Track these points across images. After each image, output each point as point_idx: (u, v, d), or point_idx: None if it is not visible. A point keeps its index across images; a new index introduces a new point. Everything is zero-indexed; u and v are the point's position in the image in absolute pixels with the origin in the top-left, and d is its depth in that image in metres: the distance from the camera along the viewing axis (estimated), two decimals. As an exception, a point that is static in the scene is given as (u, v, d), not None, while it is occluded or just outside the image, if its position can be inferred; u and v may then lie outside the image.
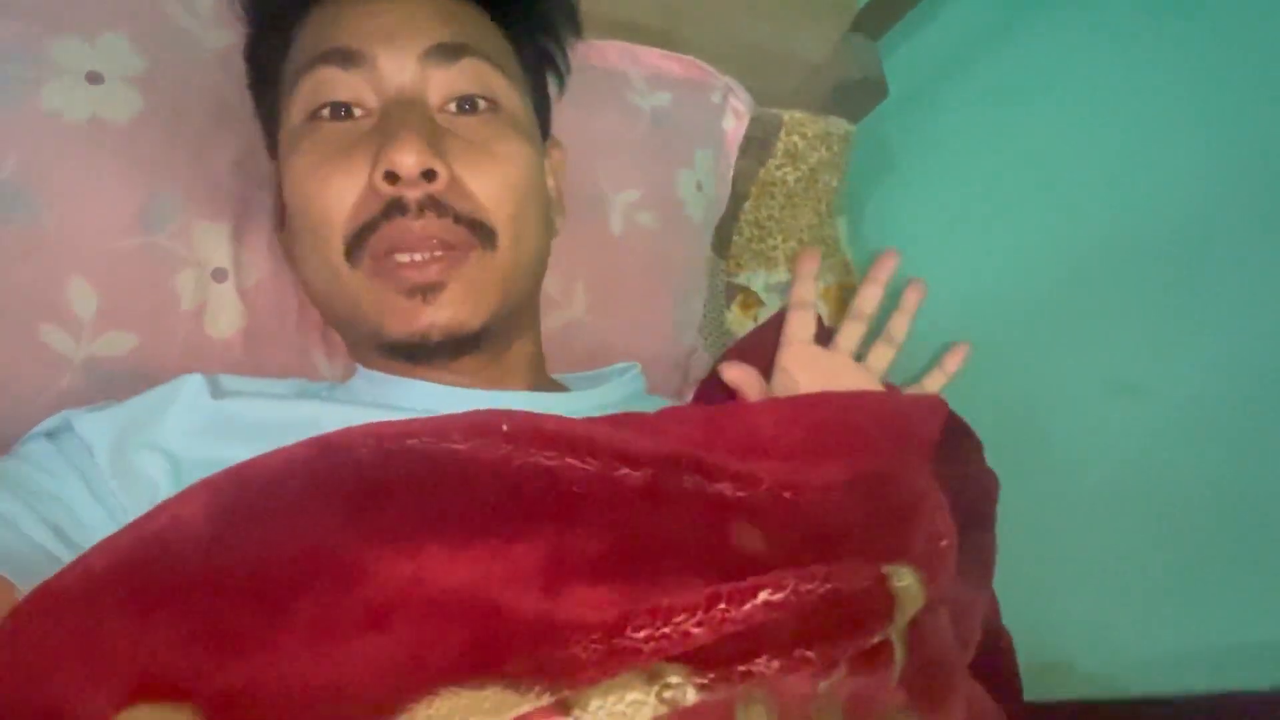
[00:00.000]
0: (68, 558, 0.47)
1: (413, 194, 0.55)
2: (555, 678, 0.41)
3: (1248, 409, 0.94)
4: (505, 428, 0.48)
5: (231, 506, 0.45)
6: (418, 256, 0.55)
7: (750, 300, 1.08)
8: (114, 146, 0.61)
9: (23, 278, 0.58)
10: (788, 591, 0.45)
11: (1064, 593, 1.01)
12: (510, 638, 0.42)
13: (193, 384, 0.58)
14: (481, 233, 0.57)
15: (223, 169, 0.67)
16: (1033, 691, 0.81)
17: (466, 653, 0.42)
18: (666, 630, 0.42)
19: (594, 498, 0.48)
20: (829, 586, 0.46)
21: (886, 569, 0.50)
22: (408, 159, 0.53)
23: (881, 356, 0.78)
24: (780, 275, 1.11)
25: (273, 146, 0.66)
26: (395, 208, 0.55)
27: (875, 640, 0.49)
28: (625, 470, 0.49)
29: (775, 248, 1.11)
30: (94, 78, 0.61)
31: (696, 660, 0.43)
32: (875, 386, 0.75)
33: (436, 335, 0.57)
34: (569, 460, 0.48)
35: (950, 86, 1.26)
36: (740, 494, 0.51)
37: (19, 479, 0.52)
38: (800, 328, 0.74)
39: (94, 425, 0.55)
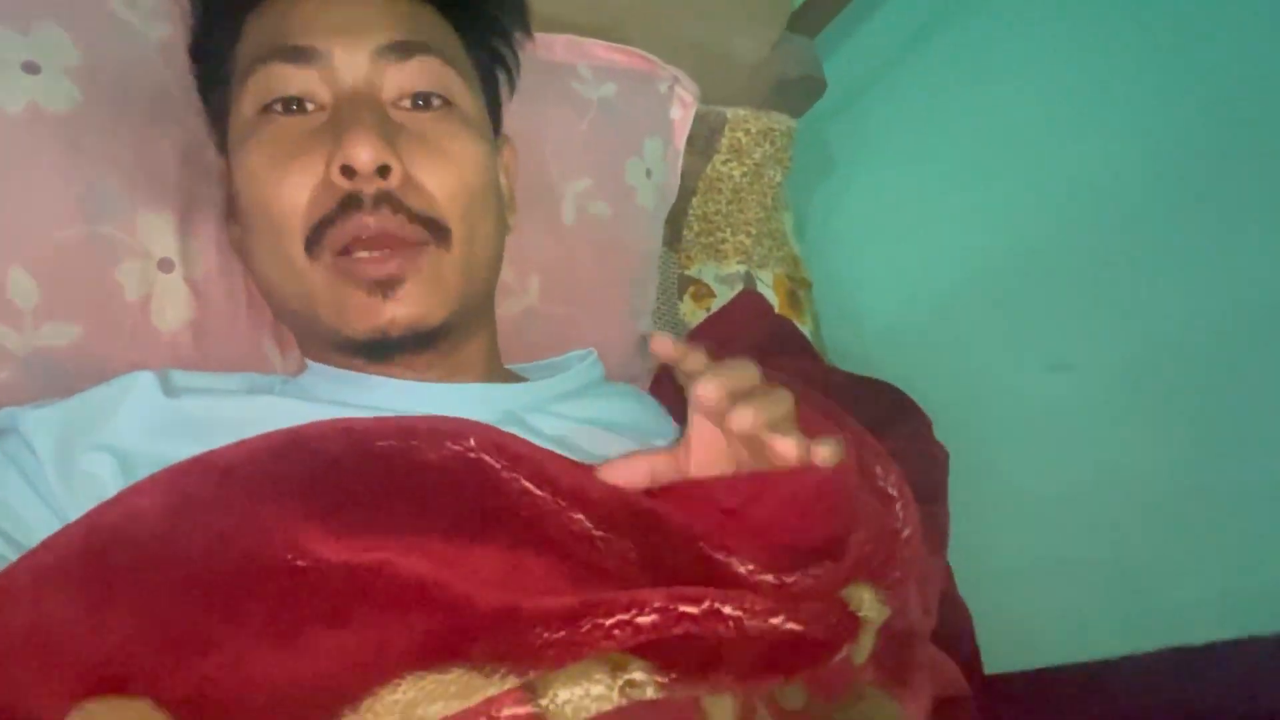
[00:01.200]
0: (12, 557, 0.46)
1: (368, 189, 0.55)
2: (519, 661, 0.41)
3: (1172, 382, 1.01)
4: (472, 442, 0.49)
5: (191, 497, 0.45)
6: (376, 253, 0.56)
7: (702, 292, 1.10)
8: (53, 136, 0.61)
9: (-39, 270, 0.57)
10: (745, 609, 0.45)
11: (1012, 561, 1.04)
12: (473, 625, 0.42)
13: (143, 381, 0.57)
14: (436, 230, 0.58)
15: (167, 160, 0.66)
16: (991, 659, 0.83)
17: (430, 640, 0.42)
18: (626, 618, 0.43)
19: (545, 526, 0.48)
20: (789, 627, 0.47)
21: (844, 594, 0.51)
22: (363, 153, 0.53)
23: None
24: (731, 267, 1.14)
25: (220, 139, 0.66)
26: (351, 203, 0.55)
27: (837, 660, 0.50)
28: (577, 515, 0.49)
29: (724, 241, 1.13)
30: (30, 67, 0.60)
31: (661, 659, 0.43)
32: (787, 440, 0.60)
33: (397, 332, 0.57)
34: (525, 485, 0.49)
35: (887, 82, 1.31)
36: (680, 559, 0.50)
37: None
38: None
39: (38, 425, 0.54)
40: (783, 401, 0.49)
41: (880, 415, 0.81)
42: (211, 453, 0.47)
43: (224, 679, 0.41)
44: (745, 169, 1.12)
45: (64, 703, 0.40)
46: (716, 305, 1.08)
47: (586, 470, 0.51)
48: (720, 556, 0.49)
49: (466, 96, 0.63)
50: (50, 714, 0.40)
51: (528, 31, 0.73)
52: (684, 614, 0.44)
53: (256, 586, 0.43)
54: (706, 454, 0.52)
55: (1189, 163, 1.01)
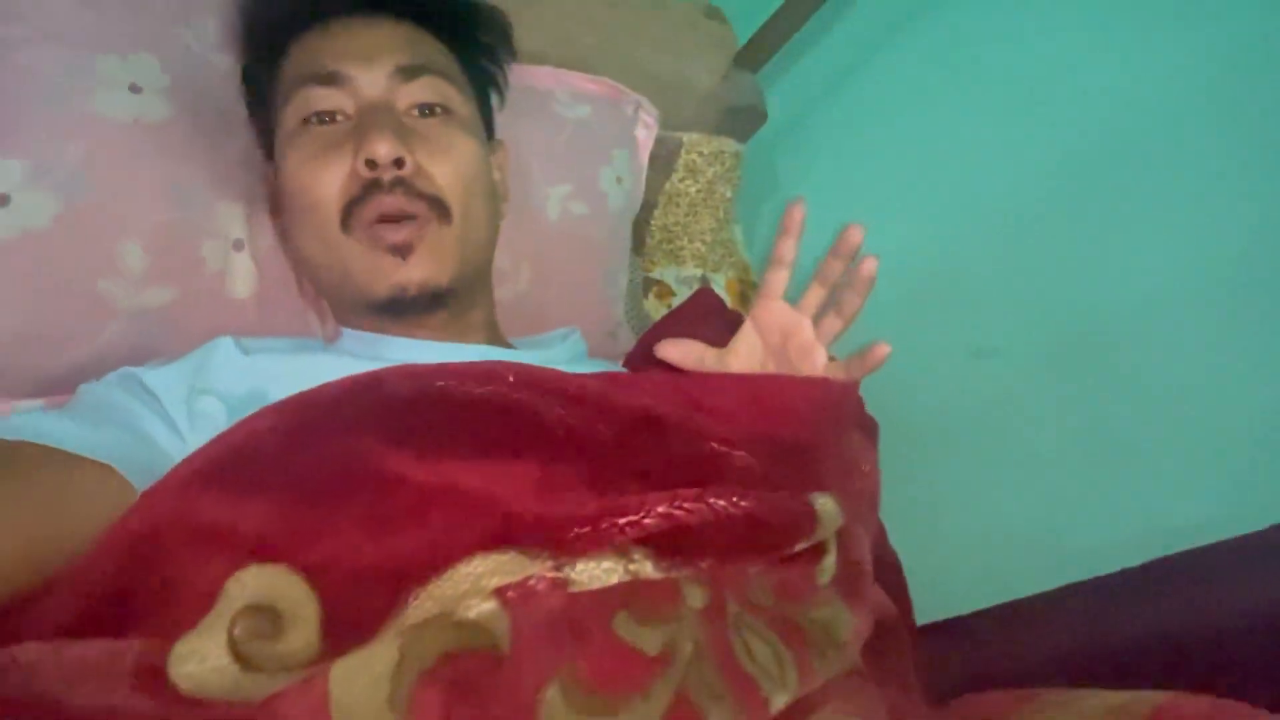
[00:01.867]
0: (155, 470, 0.57)
1: (386, 176, 0.69)
2: (556, 550, 0.53)
3: (1082, 362, 1.10)
4: (511, 378, 0.59)
5: (296, 424, 0.57)
6: (393, 225, 0.70)
7: (664, 290, 1.24)
8: (152, 142, 0.75)
9: (88, 241, 0.71)
10: (731, 501, 0.57)
11: (938, 523, 1.17)
12: (520, 524, 0.54)
13: (225, 344, 0.71)
14: (439, 208, 0.72)
15: (233, 161, 0.80)
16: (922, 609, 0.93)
17: (489, 534, 0.53)
18: (635, 518, 0.54)
19: (573, 441, 0.59)
20: (765, 507, 0.58)
21: (811, 497, 0.63)
22: (381, 148, 0.68)
23: (829, 327, 0.80)
24: (689, 270, 1.27)
25: (267, 149, 0.80)
26: (374, 186, 0.70)
27: (799, 548, 0.62)
28: (601, 426, 0.59)
29: (682, 248, 1.27)
30: (134, 88, 0.75)
31: (658, 549, 0.56)
32: (821, 357, 0.79)
33: (413, 290, 0.71)
34: (556, 409, 0.59)
35: (822, 112, 1.44)
36: (690, 449, 0.61)
37: (115, 413, 0.63)
38: (776, 285, 0.80)
39: (161, 378, 0.67)
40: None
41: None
42: (309, 391, 0.57)
43: (340, 557, 0.51)
44: (700, 186, 1.25)
45: (223, 573, 0.50)
46: (676, 301, 1.22)
47: (611, 380, 0.63)
48: (719, 448, 0.61)
49: (463, 106, 0.78)
50: (212, 584, 0.50)
51: (514, 55, 0.88)
52: (679, 514, 0.55)
53: (354, 493, 0.54)
54: (748, 357, 0.72)
55: (1092, 163, 1.10)
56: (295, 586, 0.50)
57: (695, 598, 0.56)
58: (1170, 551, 0.96)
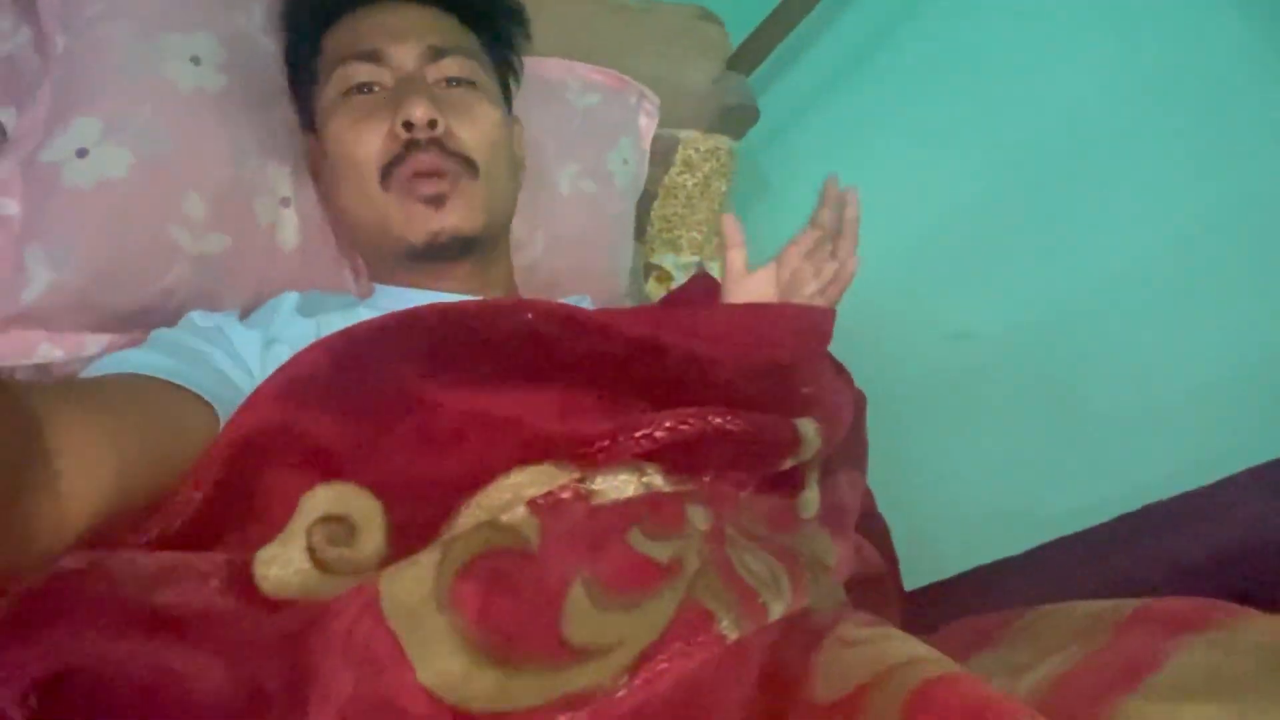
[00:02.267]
0: (231, 399, 0.63)
1: (422, 136, 0.77)
2: (582, 463, 0.60)
3: (1051, 342, 1.17)
4: (530, 316, 0.65)
5: (346, 353, 0.63)
6: (431, 171, 0.78)
7: (663, 275, 1.32)
8: (211, 108, 0.83)
9: (157, 191, 0.79)
10: (726, 419, 0.64)
11: (921, 493, 1.22)
12: (549, 442, 0.60)
13: (291, 299, 0.79)
14: (468, 165, 0.80)
15: (280, 128, 0.89)
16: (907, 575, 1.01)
17: (522, 451, 0.60)
18: (647, 431, 0.61)
19: (587, 367, 0.65)
20: (755, 425, 0.65)
21: (795, 420, 0.69)
22: (418, 111, 0.76)
23: (826, 267, 0.83)
24: (686, 257, 1.35)
25: (306, 120, 0.89)
26: (411, 146, 0.78)
27: (785, 465, 0.69)
28: (610, 352, 0.65)
29: (680, 236, 1.35)
30: (195, 60, 0.83)
31: (666, 465, 0.63)
32: (809, 287, 0.82)
33: (445, 236, 0.79)
34: (573, 340, 0.65)
35: (810, 115, 1.52)
36: (687, 371, 0.67)
37: (201, 356, 0.68)
38: (806, 239, 0.85)
39: (243, 334, 0.73)
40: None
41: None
42: (355, 325, 0.63)
43: (398, 471, 0.57)
44: (696, 180, 1.32)
45: (297, 489, 0.55)
46: (675, 284, 1.30)
47: (618, 312, 0.70)
48: (714, 373, 0.67)
49: (485, 80, 0.86)
50: (288, 499, 0.55)
51: (529, 37, 0.97)
52: (684, 428, 0.61)
53: (402, 417, 0.59)
54: (765, 282, 0.81)
55: (1059, 162, 1.16)
56: (364, 499, 0.56)
57: (699, 519, 0.62)
58: (1131, 509, 1.03)
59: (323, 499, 0.56)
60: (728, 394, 0.67)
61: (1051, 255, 1.18)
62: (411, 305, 0.77)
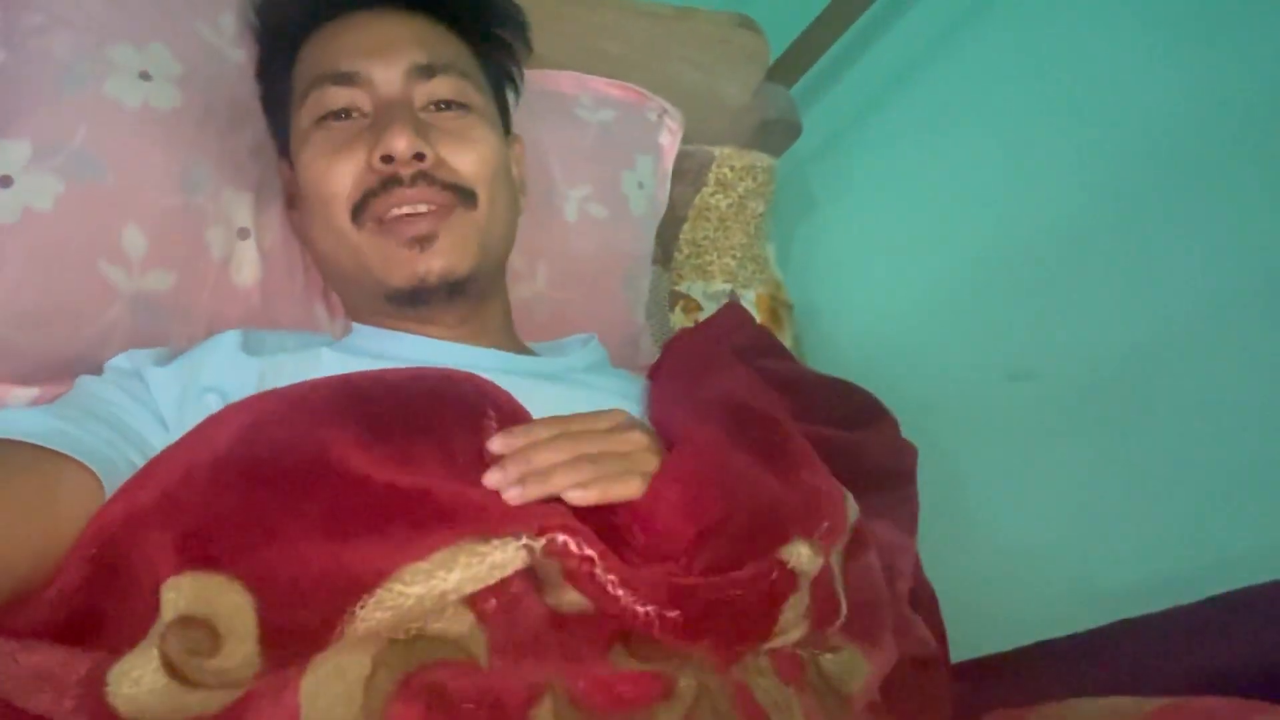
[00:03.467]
0: (139, 462, 0.57)
1: (405, 171, 0.68)
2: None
3: (1122, 385, 1.08)
4: (467, 388, 0.59)
5: (263, 415, 0.55)
6: (415, 208, 0.69)
7: (690, 305, 1.22)
8: (160, 128, 0.75)
9: (89, 223, 0.71)
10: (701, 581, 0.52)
11: (972, 554, 1.11)
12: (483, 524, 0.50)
13: (227, 340, 0.70)
14: (463, 194, 0.71)
15: (243, 152, 0.81)
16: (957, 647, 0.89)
17: (454, 529, 0.50)
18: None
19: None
20: (736, 593, 0.53)
21: (781, 553, 0.55)
22: (399, 143, 0.67)
23: None
24: (716, 285, 1.25)
25: (282, 145, 0.80)
26: (392, 181, 0.69)
27: (786, 606, 0.55)
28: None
29: (711, 263, 1.25)
30: (145, 75, 0.75)
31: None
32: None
33: (433, 279, 0.69)
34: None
35: (859, 129, 1.43)
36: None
37: (105, 410, 0.62)
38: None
39: (158, 378, 0.66)
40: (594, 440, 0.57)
41: (852, 412, 0.92)
42: (282, 388, 0.57)
43: (284, 560, 0.48)
44: (730, 200, 1.23)
45: (163, 572, 0.48)
46: (703, 316, 1.18)
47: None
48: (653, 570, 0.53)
49: (480, 100, 0.77)
50: (155, 593, 0.47)
51: (529, 50, 0.88)
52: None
53: (313, 490, 0.51)
54: None
55: (1130, 184, 1.10)
56: (231, 593, 0.47)
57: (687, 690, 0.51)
58: (1224, 590, 0.90)
59: (180, 595, 0.47)
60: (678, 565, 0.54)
61: (1124, 287, 1.10)
62: (390, 349, 0.71)
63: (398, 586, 0.48)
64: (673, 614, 0.50)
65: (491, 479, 0.53)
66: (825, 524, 0.59)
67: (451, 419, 0.57)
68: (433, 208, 0.69)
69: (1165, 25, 1.08)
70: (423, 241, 0.69)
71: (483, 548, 0.49)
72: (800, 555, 0.56)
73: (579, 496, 0.53)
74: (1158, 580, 0.96)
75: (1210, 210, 1.01)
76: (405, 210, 0.69)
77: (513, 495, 0.52)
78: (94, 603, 0.50)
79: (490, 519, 0.51)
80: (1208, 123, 1.02)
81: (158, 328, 0.74)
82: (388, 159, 0.68)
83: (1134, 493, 1.05)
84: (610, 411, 0.61)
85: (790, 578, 0.55)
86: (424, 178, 0.69)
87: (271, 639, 0.46)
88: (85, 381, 0.66)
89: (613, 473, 0.54)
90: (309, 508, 0.50)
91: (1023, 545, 1.13)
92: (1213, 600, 0.90)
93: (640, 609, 0.50)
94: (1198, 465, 0.99)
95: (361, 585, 0.48)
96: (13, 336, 0.69)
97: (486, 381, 0.61)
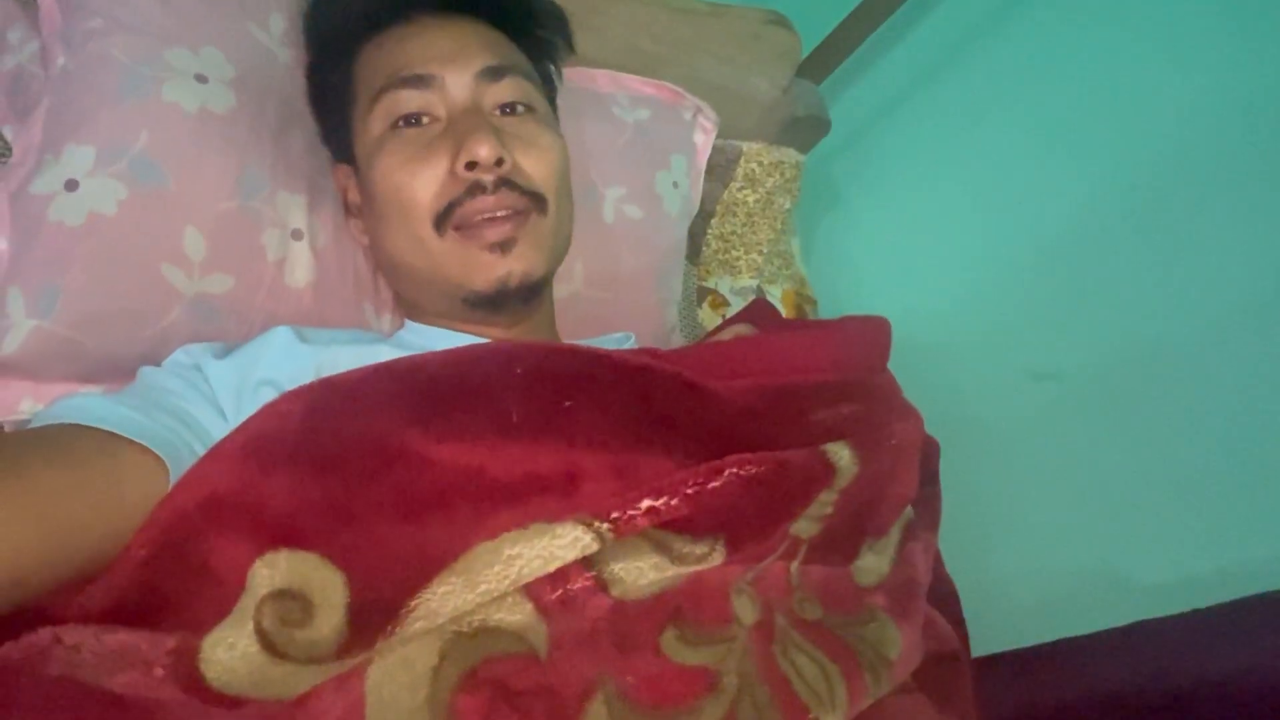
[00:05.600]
0: (200, 451, 0.59)
1: (488, 177, 0.70)
2: (590, 529, 0.53)
3: (1146, 385, 1.08)
4: (519, 370, 0.60)
5: (321, 403, 0.57)
6: (495, 213, 0.70)
7: (718, 301, 1.23)
8: (217, 131, 0.76)
9: (152, 227, 0.72)
10: (744, 468, 0.57)
11: (994, 552, 1.14)
12: (549, 506, 0.54)
13: (282, 333, 0.72)
14: (537, 201, 0.73)
15: (295, 152, 0.82)
16: (978, 643, 0.90)
17: (518, 515, 0.53)
18: (666, 499, 0.54)
19: (595, 426, 0.59)
20: (777, 463, 0.58)
21: (824, 447, 0.62)
22: (483, 150, 0.69)
23: None
24: (744, 281, 1.26)
25: (335, 148, 0.81)
26: (476, 188, 0.70)
27: (824, 497, 0.61)
28: (626, 398, 0.61)
29: (738, 258, 1.26)
30: (201, 78, 0.76)
31: (690, 529, 0.55)
32: None
33: (514, 282, 0.71)
34: (566, 403, 0.59)
35: (886, 126, 1.44)
36: (702, 412, 0.62)
37: (168, 400, 0.64)
38: None
39: (217, 370, 0.68)
40: None
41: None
42: (336, 375, 0.59)
43: (366, 536, 0.52)
44: (758, 196, 1.24)
45: (249, 559, 0.50)
46: (730, 312, 1.21)
47: (638, 353, 0.64)
48: (740, 403, 0.62)
49: (541, 102, 0.79)
50: (240, 570, 0.50)
51: (572, 51, 0.89)
52: (707, 488, 0.55)
53: (380, 477, 0.54)
54: None
55: (1157, 183, 1.10)
56: (323, 570, 0.50)
57: (745, 612, 0.56)
58: (1248, 591, 0.92)
59: (275, 570, 0.50)
60: (737, 431, 0.62)
61: (1149, 286, 1.10)
62: (441, 345, 0.71)
63: (476, 559, 0.51)
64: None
65: None
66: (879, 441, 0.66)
67: (499, 386, 0.59)
68: (511, 213, 0.71)
69: (1191, 25, 1.08)
70: (504, 246, 0.71)
71: (559, 528, 0.52)
72: (842, 456, 0.62)
73: None
74: (1181, 580, 0.98)
75: (1235, 209, 1.01)
76: (486, 215, 0.70)
77: None
78: (162, 585, 0.52)
79: (556, 504, 0.54)
80: (1231, 123, 1.02)
81: (214, 328, 0.75)
82: (471, 165, 0.69)
83: (1157, 493, 1.06)
84: None
85: (829, 469, 0.61)
86: (505, 183, 0.71)
87: (358, 611, 0.49)
88: (148, 373, 0.67)
89: None
90: (379, 492, 0.53)
91: (1045, 544, 1.15)
92: (1235, 604, 0.92)
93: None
94: (1222, 465, 1.00)
95: (439, 562, 0.51)
96: (78, 338, 0.70)
97: (519, 343, 0.63)
